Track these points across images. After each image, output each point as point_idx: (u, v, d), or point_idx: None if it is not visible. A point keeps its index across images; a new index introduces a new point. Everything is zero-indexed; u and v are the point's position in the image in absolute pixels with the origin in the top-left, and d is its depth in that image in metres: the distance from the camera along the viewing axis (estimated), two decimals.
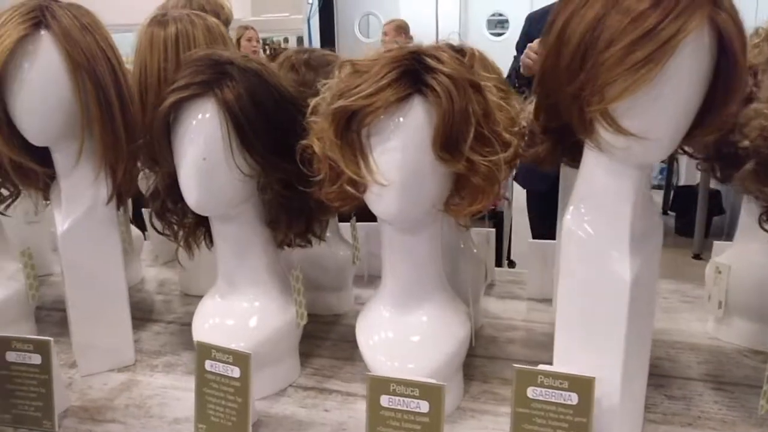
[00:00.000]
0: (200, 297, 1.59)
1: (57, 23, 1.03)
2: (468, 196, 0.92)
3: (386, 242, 1.02)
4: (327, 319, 1.43)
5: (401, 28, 5.32)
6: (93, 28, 1.07)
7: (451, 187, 0.93)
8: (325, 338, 1.34)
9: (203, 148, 0.97)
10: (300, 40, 7.09)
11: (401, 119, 0.87)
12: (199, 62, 0.99)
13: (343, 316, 1.45)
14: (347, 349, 1.30)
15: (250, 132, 0.97)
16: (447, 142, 0.87)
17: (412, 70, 0.86)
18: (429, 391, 0.89)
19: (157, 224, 1.13)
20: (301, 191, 1.02)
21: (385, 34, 5.37)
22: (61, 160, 1.13)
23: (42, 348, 1.04)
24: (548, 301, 1.47)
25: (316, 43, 7.50)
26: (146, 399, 1.14)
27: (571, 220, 0.90)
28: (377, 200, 0.91)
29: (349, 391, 1.15)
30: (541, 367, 0.89)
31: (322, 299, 1.43)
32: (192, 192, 0.99)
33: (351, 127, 0.90)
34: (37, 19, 1.02)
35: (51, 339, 1.05)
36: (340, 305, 1.46)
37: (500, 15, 7.31)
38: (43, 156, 1.13)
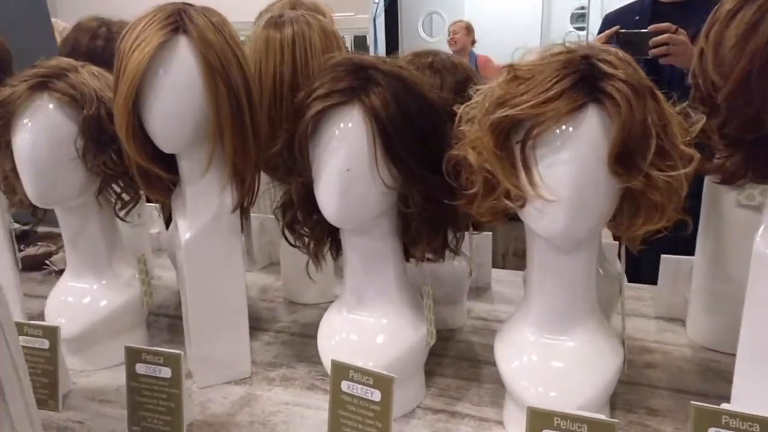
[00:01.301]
0: (305, 305, 1.58)
1: (194, 27, 0.99)
2: (642, 215, 0.83)
3: (536, 259, 0.94)
4: (441, 334, 1.36)
5: (470, 29, 5.25)
6: (223, 28, 1.03)
7: (619, 205, 0.85)
8: (443, 355, 1.28)
9: (347, 158, 0.91)
10: (357, 39, 7.03)
11: (573, 130, 0.80)
12: (339, 68, 0.94)
13: (457, 332, 1.38)
14: (468, 368, 1.24)
15: (396, 141, 0.91)
16: (624, 156, 0.79)
17: (586, 76, 0.79)
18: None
19: (289, 236, 1.08)
20: (443, 204, 0.95)
21: (454, 33, 5.28)
22: (188, 167, 1.10)
23: (172, 361, 1.01)
24: (678, 320, 1.37)
25: (381, 42, 7.47)
26: (269, 416, 1.10)
27: (762, 242, 0.80)
28: (539, 217, 0.84)
29: (481, 416, 1.08)
30: (725, 406, 0.80)
31: (437, 313, 1.36)
32: (332, 204, 0.93)
33: (512, 138, 0.83)
34: (176, 24, 0.99)
35: (181, 353, 1.02)
36: (455, 320, 1.39)
37: (583, 9, 7.11)
38: (169, 162, 1.11)
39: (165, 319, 1.51)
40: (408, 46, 7.66)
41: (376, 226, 1.01)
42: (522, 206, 0.85)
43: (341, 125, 0.92)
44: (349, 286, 1.08)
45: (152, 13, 1.01)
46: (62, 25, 2.19)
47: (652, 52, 1.77)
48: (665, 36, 1.76)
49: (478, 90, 0.90)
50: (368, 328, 1.06)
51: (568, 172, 0.80)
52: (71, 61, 1.19)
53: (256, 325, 1.46)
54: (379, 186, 0.93)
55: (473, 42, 5.26)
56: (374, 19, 7.39)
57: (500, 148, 0.83)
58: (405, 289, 1.08)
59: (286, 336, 1.41)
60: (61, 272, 1.80)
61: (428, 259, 1.07)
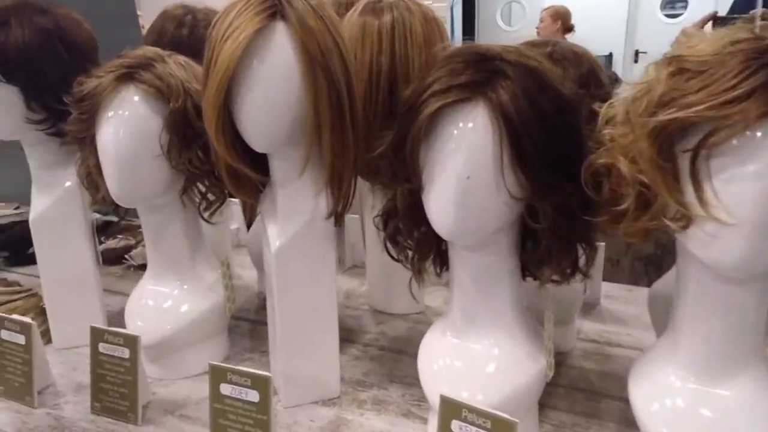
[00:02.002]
0: (392, 315, 1.47)
1: (293, 12, 0.88)
2: None
3: (692, 289, 0.79)
4: None
5: (559, 15, 4.94)
6: (323, 12, 0.92)
7: None
8: (555, 384, 1.13)
9: (467, 163, 0.78)
10: None
11: (765, 137, 0.63)
12: (458, 58, 0.81)
13: (567, 356, 1.23)
14: (584, 401, 1.09)
15: (527, 144, 0.77)
16: None
17: None
18: None
19: (392, 249, 0.96)
20: (578, 219, 0.81)
21: (540, 21, 5.03)
22: (281, 168, 1.00)
23: (260, 384, 0.92)
24: None
25: (459, 31, 7.26)
26: None
27: None
28: (710, 242, 0.68)
29: None
30: None
31: None
32: (448, 216, 0.80)
33: (678, 145, 0.68)
34: (273, 9, 0.88)
35: (270, 376, 0.92)
36: (566, 342, 1.24)
37: None
38: (259, 162, 1.01)
39: (246, 324, 1.43)
40: (484, 36, 7.42)
41: (494, 242, 0.87)
42: (685, 227, 0.70)
43: (461, 125, 0.79)
44: (457, 305, 0.95)
45: None
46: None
47: None
48: None
49: (628, 86, 0.75)
50: (479, 356, 0.93)
51: (754, 189, 0.64)
52: (158, 50, 1.11)
53: (343, 335, 1.34)
54: (503, 196, 0.80)
55: (567, 29, 4.76)
56: (452, 8, 7.20)
57: (663, 157, 0.68)
58: (521, 314, 0.94)
59: (375, 350, 1.29)
60: (141, 267, 1.76)
61: (553, 281, 0.93)
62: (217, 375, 0.94)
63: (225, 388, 0.94)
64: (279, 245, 1.02)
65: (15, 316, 1.12)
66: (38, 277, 1.31)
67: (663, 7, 6.69)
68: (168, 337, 1.17)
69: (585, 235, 0.85)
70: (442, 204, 0.81)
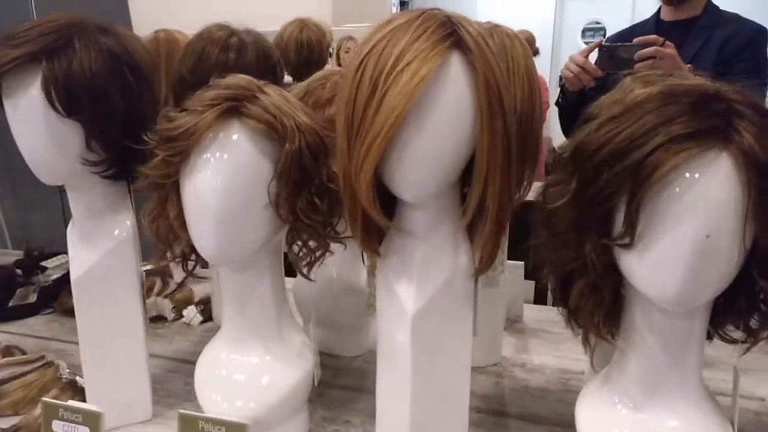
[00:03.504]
0: (472, 368, 1.34)
1: (472, 40, 0.76)
2: None
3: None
4: None
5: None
6: (492, 40, 0.80)
7: None
8: None
9: (707, 220, 0.68)
10: None
11: None
12: (686, 99, 0.70)
13: None
14: None
15: None
16: None
17: None
18: None
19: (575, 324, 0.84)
20: None
21: None
22: (424, 219, 0.86)
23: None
24: None
25: None
26: None
27: None
28: None
29: None
30: None
31: None
32: (675, 281, 0.70)
33: None
34: (451, 36, 0.75)
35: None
36: None
37: (597, 23, 6.94)
38: (388, 209, 0.87)
39: (337, 392, 1.25)
40: None
41: (703, 304, 0.78)
42: None
43: (700, 176, 0.68)
44: (634, 374, 0.84)
45: (410, 18, 0.76)
46: None
47: (638, 66, 1.62)
48: (651, 49, 1.62)
49: None
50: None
51: None
52: (250, 78, 0.94)
53: None
54: (734, 255, 0.70)
55: (533, 53, 4.84)
56: None
57: None
58: (703, 384, 0.85)
59: (473, 414, 1.16)
60: (155, 320, 1.55)
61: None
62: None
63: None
64: (418, 310, 0.87)
65: (77, 404, 0.91)
66: (34, 336, 1.10)
67: (583, 36, 7.02)
68: (254, 416, 0.99)
69: None
70: (671, 267, 0.70)
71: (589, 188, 0.75)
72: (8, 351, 1.32)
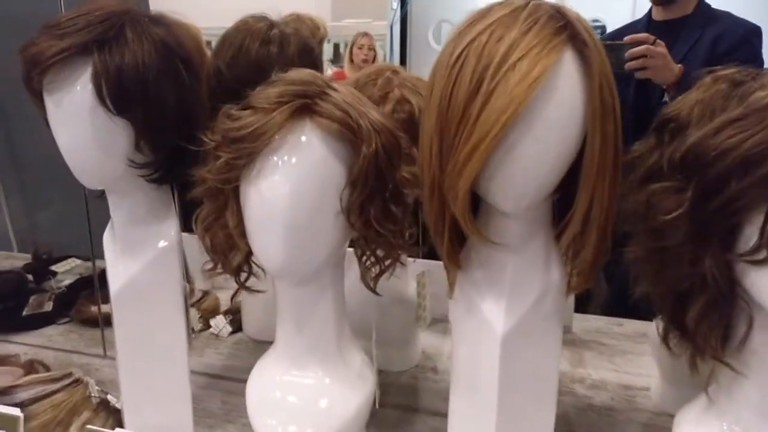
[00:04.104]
0: None
1: (586, 34, 0.68)
2: None
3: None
4: None
5: None
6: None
7: None
8: None
9: None
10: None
11: None
12: None
13: None
14: None
15: None
16: None
17: None
18: None
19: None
20: None
21: None
22: (518, 230, 0.78)
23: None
24: None
25: (397, 50, 7.19)
26: None
27: None
28: None
29: None
30: None
31: None
32: None
33: None
34: (565, 29, 0.67)
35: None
36: None
37: (597, 21, 6.90)
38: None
39: (394, 412, 1.17)
40: (417, 56, 7.39)
41: None
42: None
43: None
44: (752, 400, 0.76)
45: (515, 8, 0.68)
46: None
47: (629, 65, 1.60)
48: (642, 48, 1.59)
49: None
50: None
51: None
52: (313, 72, 0.85)
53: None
54: None
55: None
56: (391, 27, 7.11)
57: None
58: None
59: None
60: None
61: None
62: None
63: None
64: (509, 328, 0.80)
65: None
66: (53, 348, 1.02)
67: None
68: None
69: None
70: None
71: (712, 199, 0.68)
72: (32, 367, 1.23)
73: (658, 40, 1.62)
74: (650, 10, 1.97)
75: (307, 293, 0.90)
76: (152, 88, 0.84)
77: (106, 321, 1.31)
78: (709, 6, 1.90)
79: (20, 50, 0.84)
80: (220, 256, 0.88)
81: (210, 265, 0.91)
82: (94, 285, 1.44)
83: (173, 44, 0.87)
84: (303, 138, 0.78)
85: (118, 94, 0.81)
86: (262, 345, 1.13)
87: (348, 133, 0.79)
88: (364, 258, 0.89)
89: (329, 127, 0.78)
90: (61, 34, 0.80)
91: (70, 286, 1.66)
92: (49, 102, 0.84)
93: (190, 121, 0.88)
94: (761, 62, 1.81)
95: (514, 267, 0.80)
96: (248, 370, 0.97)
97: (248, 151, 0.78)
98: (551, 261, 0.81)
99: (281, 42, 1.22)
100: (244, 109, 0.80)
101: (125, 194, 0.94)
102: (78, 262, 1.87)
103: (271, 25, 1.25)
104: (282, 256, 0.80)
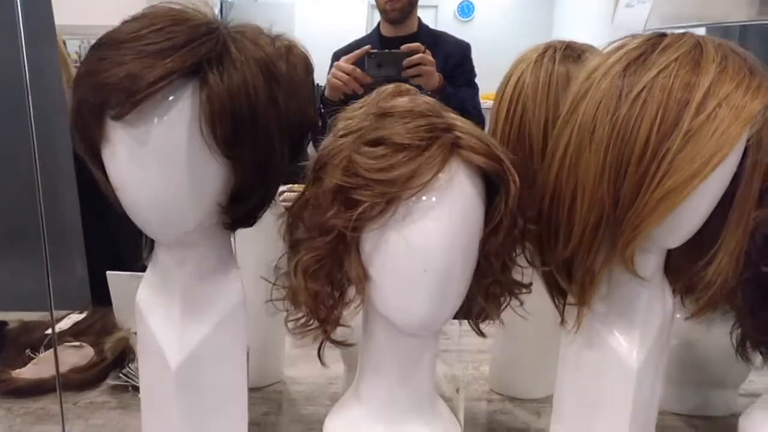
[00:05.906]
0: (513, 400, 1.25)
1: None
2: None
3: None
4: None
5: None
6: None
7: None
8: None
9: None
10: None
11: None
12: None
13: None
14: None
15: None
16: None
17: None
18: None
19: None
20: None
21: None
22: (657, 261, 0.79)
23: None
24: None
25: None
26: None
27: None
28: None
29: None
30: None
31: None
32: None
33: None
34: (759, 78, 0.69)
35: None
36: None
37: None
38: None
39: None
40: None
41: None
42: None
43: None
44: None
45: (694, 47, 0.69)
46: None
47: (407, 72, 1.75)
48: (419, 56, 1.76)
49: None
50: None
51: None
52: (428, 98, 0.78)
53: None
54: None
55: None
56: None
57: None
58: None
59: None
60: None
61: None
62: None
63: None
64: (642, 360, 0.80)
65: None
66: None
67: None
68: None
69: None
70: None
71: None
72: None
73: (427, 50, 1.75)
74: (378, 27, 2.15)
75: (422, 343, 0.82)
76: (260, 117, 0.70)
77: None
78: (427, 26, 2.19)
79: (84, 75, 0.65)
80: (320, 314, 0.77)
81: (297, 323, 0.79)
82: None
83: (267, 62, 0.73)
84: (453, 177, 0.71)
85: (232, 128, 0.67)
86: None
87: (492, 169, 0.73)
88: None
89: (477, 162, 0.72)
90: (157, 52, 0.63)
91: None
92: (132, 140, 0.66)
93: (290, 154, 0.75)
94: (474, 73, 2.18)
95: (646, 298, 0.81)
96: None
97: (396, 194, 0.69)
98: (665, 289, 0.84)
99: (287, 60, 1.10)
100: (375, 146, 0.71)
101: (193, 245, 0.77)
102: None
103: (272, 39, 1.11)
104: (427, 308, 0.72)
